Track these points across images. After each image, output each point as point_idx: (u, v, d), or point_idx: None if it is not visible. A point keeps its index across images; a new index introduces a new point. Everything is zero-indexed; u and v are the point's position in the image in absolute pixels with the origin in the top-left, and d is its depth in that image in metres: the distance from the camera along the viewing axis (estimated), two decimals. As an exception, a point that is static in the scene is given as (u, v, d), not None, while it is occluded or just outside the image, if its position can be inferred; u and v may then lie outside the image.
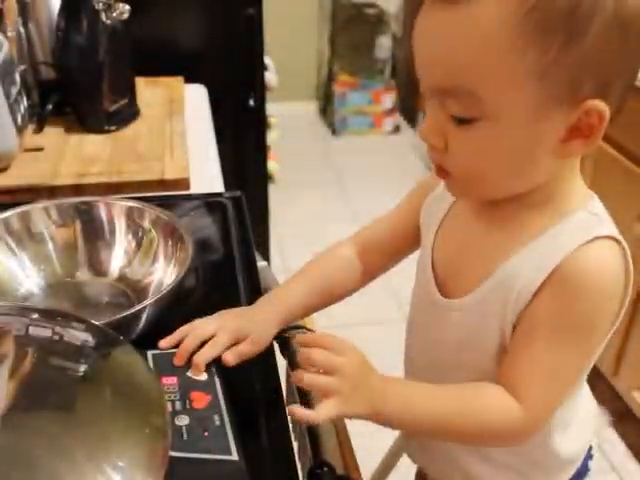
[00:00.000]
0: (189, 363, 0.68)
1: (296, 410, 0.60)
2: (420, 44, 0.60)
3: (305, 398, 0.78)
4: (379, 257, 0.83)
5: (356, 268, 0.82)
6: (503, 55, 0.55)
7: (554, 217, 0.64)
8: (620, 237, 0.64)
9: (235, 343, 0.70)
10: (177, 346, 0.70)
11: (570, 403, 0.73)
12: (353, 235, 0.84)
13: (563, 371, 0.64)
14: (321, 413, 0.60)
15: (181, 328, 0.71)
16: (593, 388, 0.82)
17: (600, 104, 0.57)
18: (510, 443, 0.70)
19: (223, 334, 0.69)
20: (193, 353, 0.68)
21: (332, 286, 0.81)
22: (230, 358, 0.69)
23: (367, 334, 2.19)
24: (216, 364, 0.69)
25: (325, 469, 0.66)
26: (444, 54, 0.57)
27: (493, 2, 0.54)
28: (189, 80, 1.54)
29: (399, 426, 0.69)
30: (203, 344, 0.69)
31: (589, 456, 0.83)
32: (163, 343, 0.70)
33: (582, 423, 0.78)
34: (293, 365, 0.84)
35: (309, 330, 0.88)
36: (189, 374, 0.66)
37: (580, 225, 0.63)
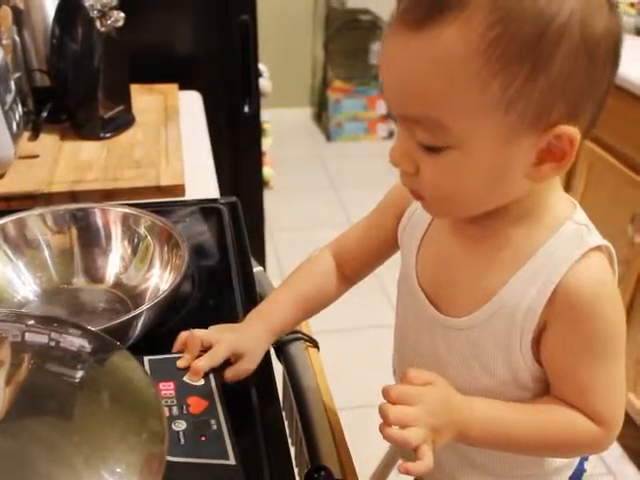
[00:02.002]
0: (187, 368, 0.68)
1: (408, 467, 0.58)
2: (386, 70, 0.59)
3: (301, 403, 0.78)
4: (357, 264, 0.83)
5: (336, 278, 0.82)
6: (468, 86, 0.54)
7: (542, 231, 0.64)
8: (606, 242, 0.64)
9: (230, 357, 0.70)
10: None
11: None
12: (330, 243, 0.84)
13: (615, 378, 0.66)
14: (424, 463, 0.59)
15: (181, 334, 0.71)
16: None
17: (570, 129, 0.56)
18: (593, 453, 0.76)
19: (221, 346, 0.69)
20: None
21: (316, 298, 0.81)
22: (229, 376, 0.70)
23: (363, 338, 2.20)
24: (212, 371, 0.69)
25: (322, 473, 0.66)
26: (409, 83, 0.56)
27: (456, 33, 0.53)
28: (184, 87, 1.54)
29: (480, 445, 0.69)
30: (203, 352, 0.70)
31: (585, 457, 0.83)
32: (181, 363, 0.69)
33: None
34: (289, 370, 0.84)
35: (305, 335, 0.89)
36: (185, 379, 0.67)
37: (571, 238, 0.63)
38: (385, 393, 0.60)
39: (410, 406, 0.59)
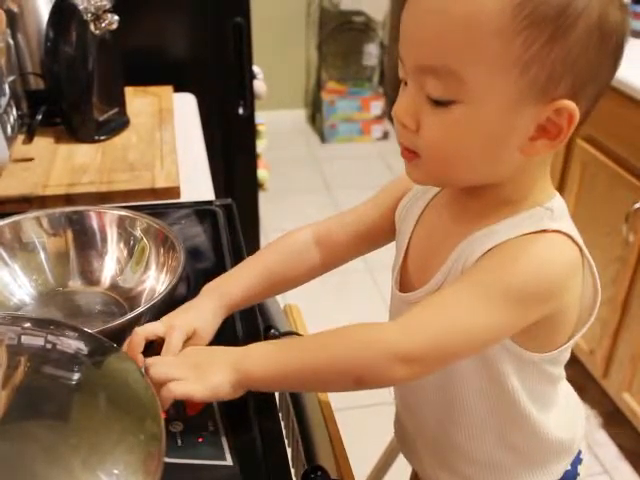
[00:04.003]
0: None
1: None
2: (410, 23, 0.61)
3: (298, 404, 0.79)
4: (338, 249, 0.82)
5: (312, 256, 0.81)
6: (491, 41, 0.56)
7: (512, 212, 0.65)
8: (573, 234, 0.64)
9: (187, 338, 0.70)
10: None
11: (545, 386, 0.74)
12: (314, 224, 0.83)
13: (459, 317, 0.61)
14: (175, 389, 0.60)
15: (128, 339, 0.69)
16: (583, 390, 0.83)
17: (571, 104, 0.59)
18: (383, 369, 0.60)
19: (173, 334, 0.68)
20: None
21: (282, 275, 0.80)
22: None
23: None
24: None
25: (319, 473, 0.66)
26: (434, 34, 0.58)
27: None
28: (178, 89, 1.55)
29: (267, 382, 0.64)
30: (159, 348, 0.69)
31: (578, 460, 0.83)
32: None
33: (565, 410, 0.79)
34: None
35: (300, 335, 0.89)
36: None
37: (531, 218, 0.65)
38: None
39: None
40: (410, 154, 0.65)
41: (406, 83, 0.63)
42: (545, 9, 0.56)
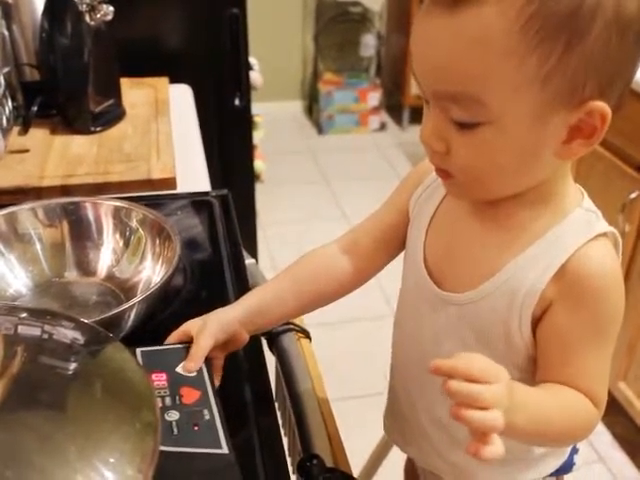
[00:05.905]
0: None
1: (481, 450, 0.52)
2: (420, 49, 0.60)
3: (294, 393, 0.79)
4: (368, 255, 0.80)
5: (342, 268, 0.80)
6: (505, 62, 0.55)
7: (554, 216, 0.65)
8: (613, 229, 0.66)
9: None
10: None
11: None
12: (340, 238, 0.82)
13: (609, 360, 0.68)
14: (499, 449, 0.53)
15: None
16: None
17: (602, 105, 0.57)
18: (584, 438, 0.72)
19: (200, 335, 0.70)
20: None
21: (316, 290, 0.79)
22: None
23: (355, 330, 2.20)
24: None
25: (315, 462, 0.66)
26: (446, 61, 0.57)
27: (495, 9, 0.54)
28: (174, 80, 1.54)
29: (522, 436, 0.64)
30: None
31: (575, 450, 0.83)
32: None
33: None
34: (282, 361, 0.85)
35: (297, 326, 0.89)
36: (178, 370, 0.67)
37: (580, 224, 0.65)
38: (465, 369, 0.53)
39: (487, 384, 0.53)
40: (444, 174, 0.64)
41: (427, 101, 0.62)
42: (555, 20, 0.54)
